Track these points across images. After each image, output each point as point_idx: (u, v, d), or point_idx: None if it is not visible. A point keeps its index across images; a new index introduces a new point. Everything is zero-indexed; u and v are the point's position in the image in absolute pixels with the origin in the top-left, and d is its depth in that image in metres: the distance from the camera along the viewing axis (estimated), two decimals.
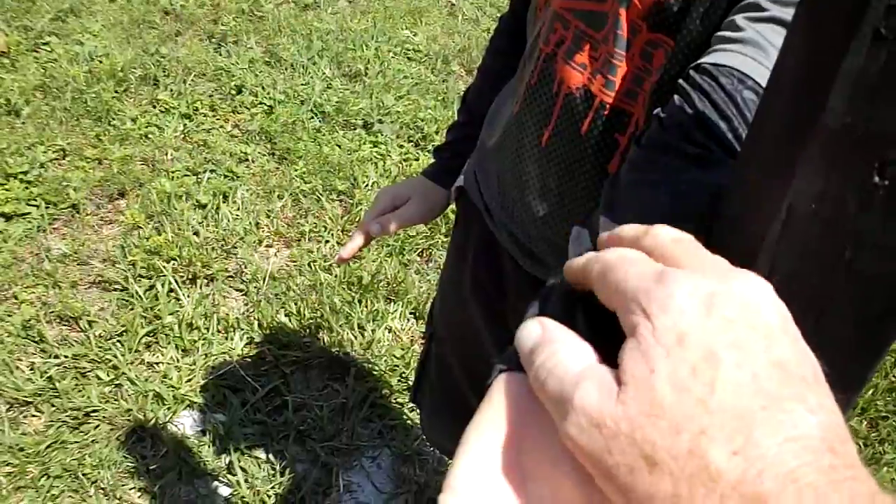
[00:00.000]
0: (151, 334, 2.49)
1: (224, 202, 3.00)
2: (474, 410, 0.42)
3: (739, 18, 0.75)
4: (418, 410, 1.86)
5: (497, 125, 1.21)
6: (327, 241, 2.91)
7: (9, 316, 2.48)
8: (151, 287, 2.63)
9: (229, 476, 2.16)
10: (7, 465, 2.12)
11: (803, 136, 0.45)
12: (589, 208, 1.06)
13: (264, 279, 2.71)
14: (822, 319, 0.49)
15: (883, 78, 0.40)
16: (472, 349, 1.45)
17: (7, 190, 2.90)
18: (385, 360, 2.50)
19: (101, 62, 3.66)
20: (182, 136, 3.35)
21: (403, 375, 2.47)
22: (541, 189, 1.11)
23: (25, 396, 2.27)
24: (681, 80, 0.72)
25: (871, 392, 2.65)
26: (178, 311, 2.56)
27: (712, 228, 0.61)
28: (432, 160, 1.48)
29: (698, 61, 0.73)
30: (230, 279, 2.73)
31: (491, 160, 1.22)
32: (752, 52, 0.70)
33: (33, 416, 2.26)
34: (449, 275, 1.50)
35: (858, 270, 0.46)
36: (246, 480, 2.16)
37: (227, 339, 2.51)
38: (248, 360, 2.46)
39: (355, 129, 3.52)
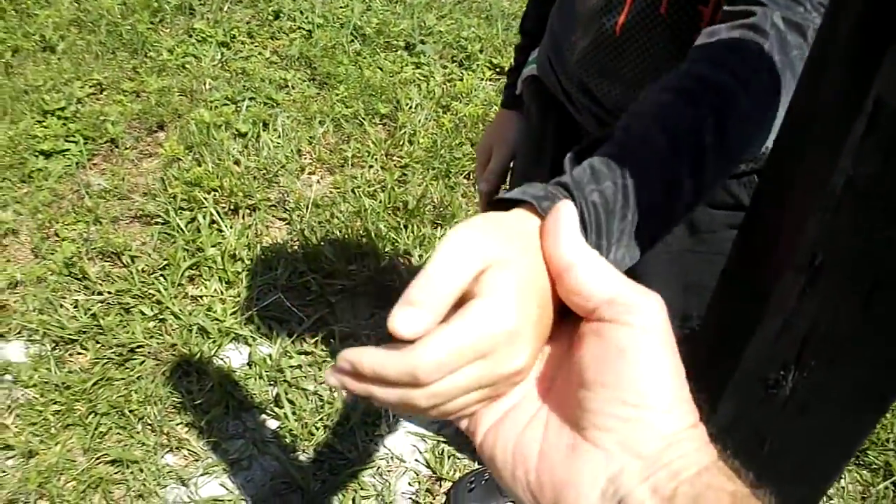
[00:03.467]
0: (194, 267, 2.43)
1: (264, 130, 2.92)
2: None
3: None
4: None
5: (569, 13, 1.17)
6: (371, 167, 2.81)
7: (51, 254, 2.45)
8: (193, 219, 2.57)
9: (276, 409, 2.11)
10: (55, 403, 2.10)
11: (893, 19, 0.36)
12: None
13: (307, 207, 2.63)
14: None
15: None
16: None
17: (45, 127, 2.86)
18: None
19: None
20: (220, 64, 3.26)
21: None
22: (621, 76, 1.08)
23: (70, 334, 2.24)
24: None
25: None
26: (220, 242, 2.50)
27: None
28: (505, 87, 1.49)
29: None
30: (272, 208, 2.66)
31: (567, 49, 1.17)
32: None
33: (79, 353, 2.23)
34: (522, 176, 1.43)
35: None
36: (293, 412, 2.11)
37: (270, 269, 2.45)
38: (293, 289, 2.40)
39: (397, 50, 3.40)
